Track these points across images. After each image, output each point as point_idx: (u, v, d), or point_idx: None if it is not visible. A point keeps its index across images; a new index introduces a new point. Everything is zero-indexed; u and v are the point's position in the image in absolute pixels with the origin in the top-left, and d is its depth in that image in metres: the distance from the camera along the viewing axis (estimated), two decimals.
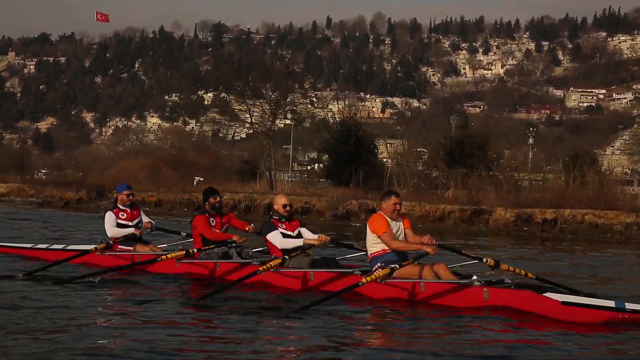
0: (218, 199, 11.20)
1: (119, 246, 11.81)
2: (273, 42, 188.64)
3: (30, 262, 12.15)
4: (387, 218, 9.37)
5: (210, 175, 42.90)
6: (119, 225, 11.89)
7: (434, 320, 8.14)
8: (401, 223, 9.49)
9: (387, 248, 9.21)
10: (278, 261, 9.82)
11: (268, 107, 44.30)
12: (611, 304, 8.18)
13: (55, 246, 12.93)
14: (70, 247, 12.68)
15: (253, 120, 45.18)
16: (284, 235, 10.32)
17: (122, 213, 11.98)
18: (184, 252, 10.87)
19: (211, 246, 10.83)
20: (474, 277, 9.00)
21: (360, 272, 9.45)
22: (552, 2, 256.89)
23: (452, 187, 32.57)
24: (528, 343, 7.14)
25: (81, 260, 11.74)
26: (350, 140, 40.63)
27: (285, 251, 10.12)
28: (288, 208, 10.46)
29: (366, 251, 9.71)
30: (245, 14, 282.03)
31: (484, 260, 9.01)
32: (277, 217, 10.42)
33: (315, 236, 10.31)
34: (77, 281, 10.28)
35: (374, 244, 9.36)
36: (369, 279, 8.94)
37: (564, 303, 8.18)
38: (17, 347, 6.53)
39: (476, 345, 7.01)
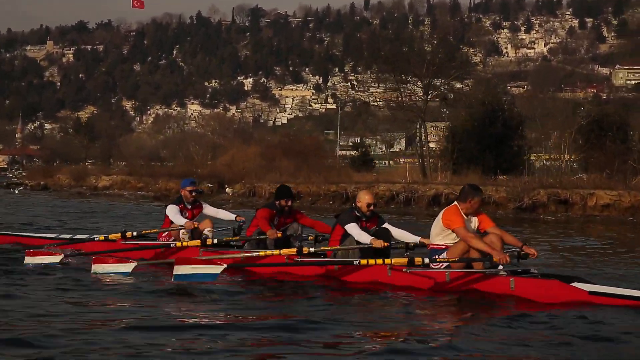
0: (290, 202, 10.54)
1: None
2: (311, 25, 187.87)
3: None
4: (463, 214, 8.88)
5: (320, 164, 39.19)
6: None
7: (458, 309, 7.89)
8: (475, 220, 8.93)
9: (449, 244, 8.80)
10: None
11: (421, 86, 41.62)
12: (639, 293, 7.97)
13: (79, 236, 12.50)
14: (94, 236, 12.16)
15: (406, 100, 42.45)
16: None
17: (184, 212, 11.24)
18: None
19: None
20: (500, 267, 8.55)
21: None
22: None
23: None
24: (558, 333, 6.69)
25: (105, 247, 11.22)
26: (496, 121, 36.69)
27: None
28: (372, 207, 9.73)
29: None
30: None
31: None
32: (359, 214, 9.71)
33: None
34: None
35: (438, 236, 8.96)
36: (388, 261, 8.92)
37: (592, 293, 8.00)
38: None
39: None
